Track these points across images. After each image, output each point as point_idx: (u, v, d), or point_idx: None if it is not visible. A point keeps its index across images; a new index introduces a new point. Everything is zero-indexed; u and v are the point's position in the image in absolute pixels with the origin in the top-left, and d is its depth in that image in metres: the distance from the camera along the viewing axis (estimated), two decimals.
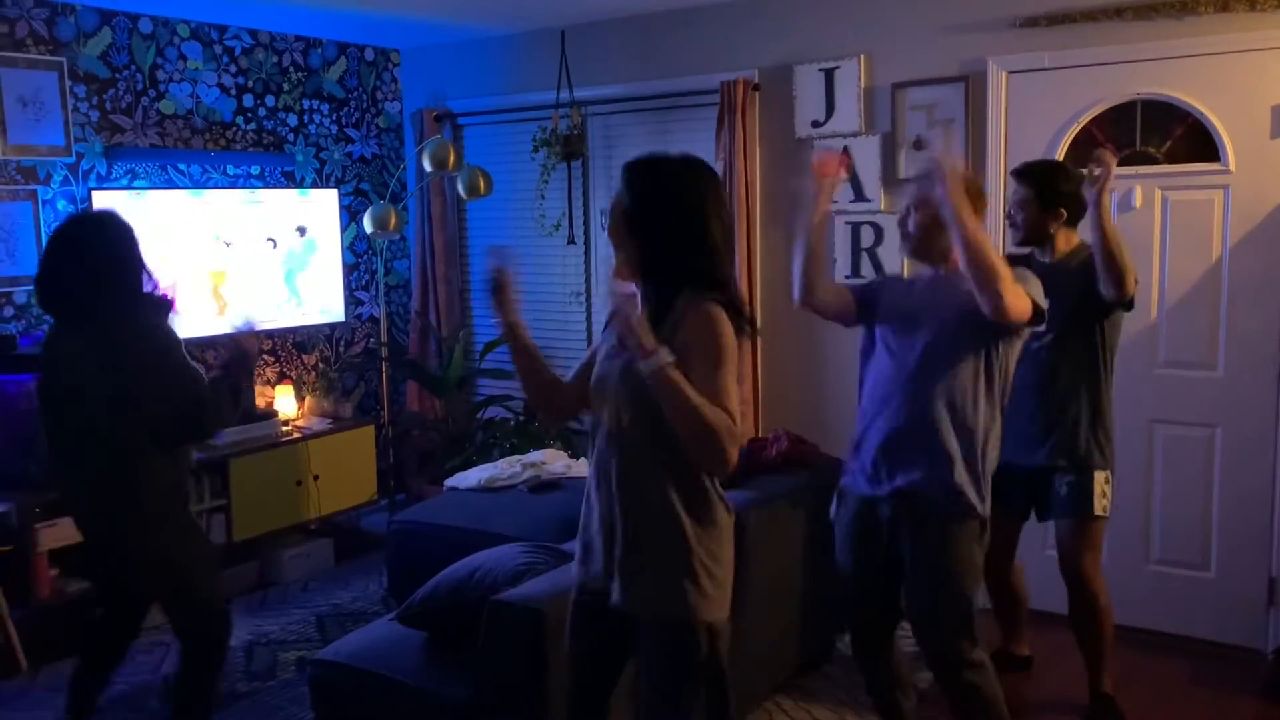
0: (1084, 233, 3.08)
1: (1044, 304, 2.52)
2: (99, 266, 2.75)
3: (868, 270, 4.29)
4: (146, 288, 2.85)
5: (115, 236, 2.80)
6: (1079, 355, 3.07)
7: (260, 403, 4.92)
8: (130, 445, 2.75)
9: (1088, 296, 3.00)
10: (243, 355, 2.88)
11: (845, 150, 4.26)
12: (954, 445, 2.52)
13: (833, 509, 2.83)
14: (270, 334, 5.07)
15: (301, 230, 4.97)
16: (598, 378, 2.12)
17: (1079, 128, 3.86)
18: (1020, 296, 2.42)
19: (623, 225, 2.01)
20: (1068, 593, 3.19)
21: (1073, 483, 3.08)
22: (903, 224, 2.68)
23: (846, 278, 4.32)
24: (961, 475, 2.52)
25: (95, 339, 2.71)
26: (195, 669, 2.94)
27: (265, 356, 5.11)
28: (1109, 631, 3.20)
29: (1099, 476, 3.08)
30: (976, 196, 2.57)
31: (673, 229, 1.97)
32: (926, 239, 2.62)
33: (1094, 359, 3.08)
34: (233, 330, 2.98)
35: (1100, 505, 3.09)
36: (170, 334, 2.84)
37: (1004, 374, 2.57)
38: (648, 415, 1.95)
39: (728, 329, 1.95)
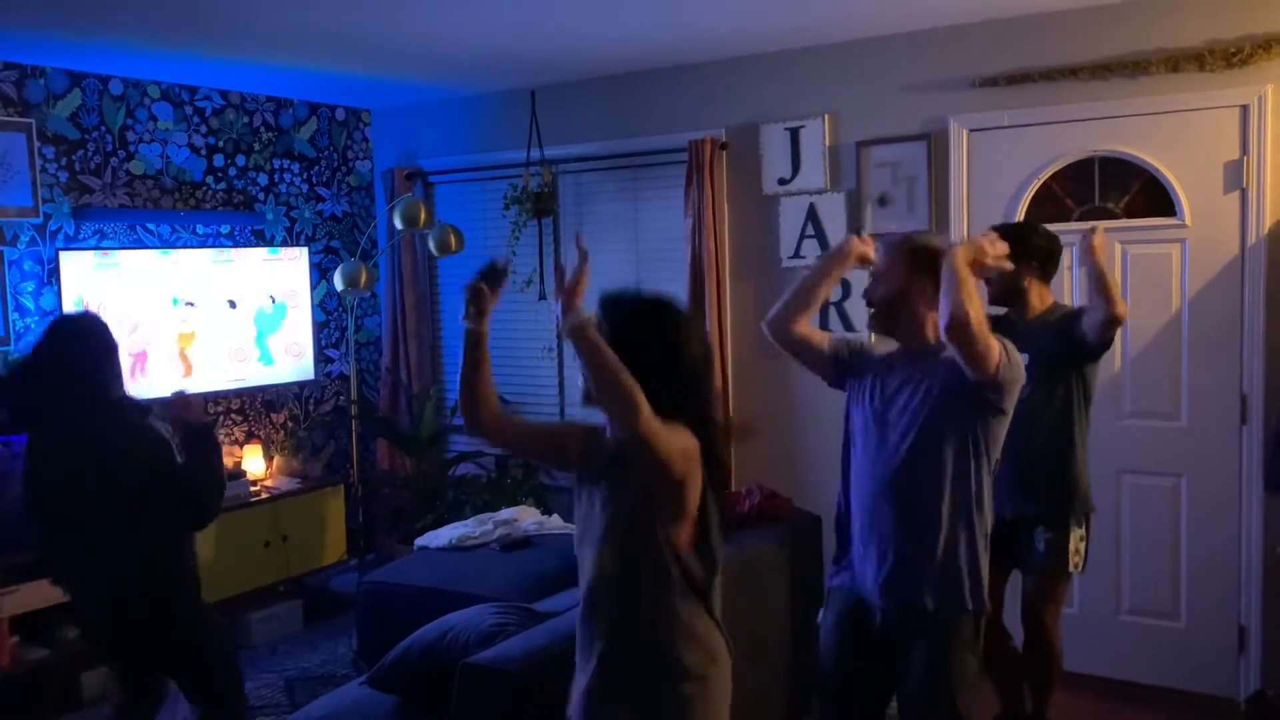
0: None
1: (1006, 366, 2.34)
2: (80, 369, 2.72)
3: (835, 324, 4.33)
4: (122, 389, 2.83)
5: (95, 339, 2.78)
6: (1057, 409, 3.07)
7: (228, 462, 4.87)
8: (143, 540, 2.74)
9: (1068, 345, 3.02)
10: (195, 422, 2.84)
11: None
12: (950, 542, 2.39)
13: (820, 613, 2.68)
14: (239, 393, 5.03)
15: (273, 298, 4.95)
16: (580, 535, 2.09)
17: (1039, 183, 3.95)
18: (991, 348, 2.29)
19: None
20: (1024, 637, 3.22)
21: (1050, 539, 3.08)
22: (868, 294, 2.54)
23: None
24: (962, 576, 2.39)
25: (85, 449, 2.69)
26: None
27: (233, 415, 5.07)
28: (1059, 674, 3.28)
29: (1075, 533, 3.08)
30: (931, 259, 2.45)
31: (645, 364, 1.95)
32: (893, 311, 2.48)
33: (1071, 412, 3.09)
34: (169, 397, 2.93)
35: (1074, 562, 3.10)
36: (156, 433, 2.81)
37: (990, 454, 2.42)
38: (630, 557, 1.97)
39: (681, 441, 1.93)
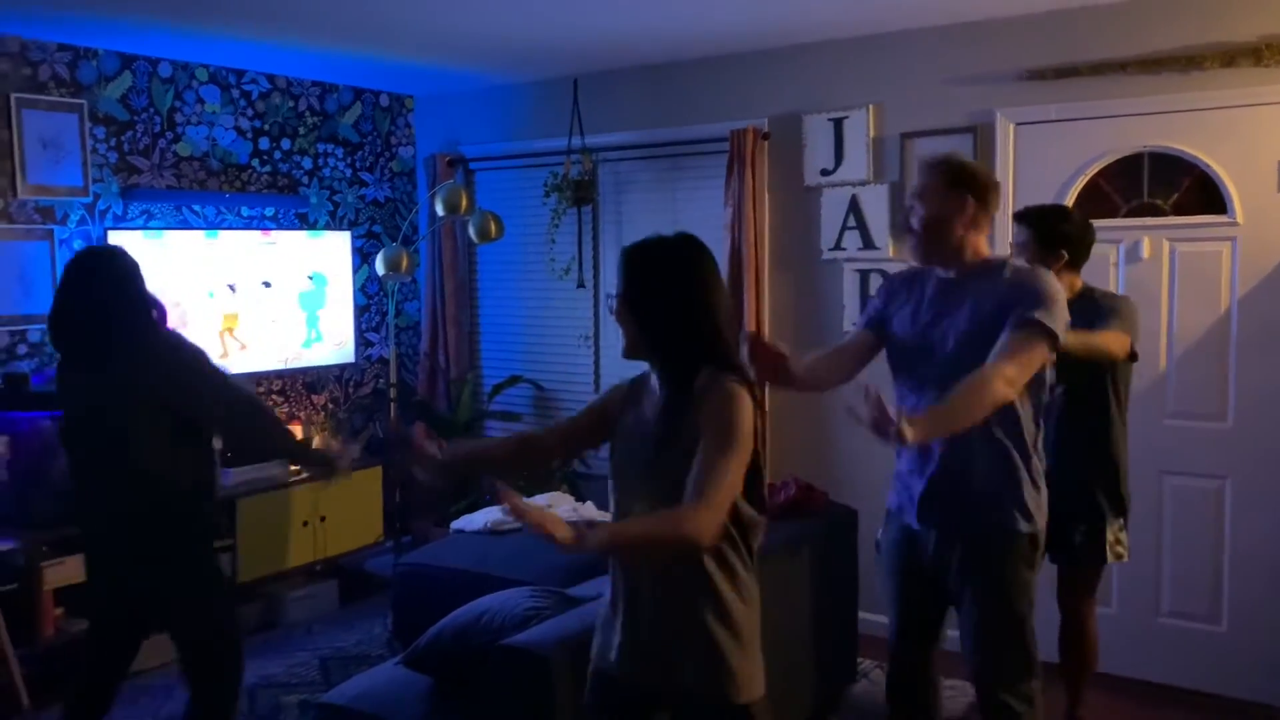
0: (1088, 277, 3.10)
1: (1059, 329, 2.33)
2: (108, 297, 2.75)
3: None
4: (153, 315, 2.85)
5: (123, 267, 2.80)
6: (1090, 405, 3.07)
7: None
8: (175, 483, 2.76)
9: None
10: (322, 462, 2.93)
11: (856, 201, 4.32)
12: (999, 468, 2.41)
13: (879, 531, 2.74)
14: (281, 374, 5.09)
15: (313, 277, 5.00)
16: (618, 467, 2.06)
17: (1086, 179, 3.89)
18: (1023, 375, 2.27)
19: (623, 308, 1.99)
20: (1061, 624, 3.25)
21: (1087, 530, 3.09)
22: (905, 222, 2.50)
23: (855, 324, 4.33)
24: (1010, 497, 2.42)
25: (130, 373, 2.70)
26: (214, 709, 2.90)
27: (275, 396, 5.13)
28: (1093, 664, 3.28)
29: (1113, 525, 3.10)
30: (987, 185, 2.44)
31: (671, 309, 1.94)
32: (933, 235, 2.43)
33: (1105, 408, 3.09)
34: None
35: (1116, 552, 3.12)
36: (191, 344, 2.83)
37: (1042, 381, 2.43)
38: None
39: (747, 412, 1.88)
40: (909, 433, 2.02)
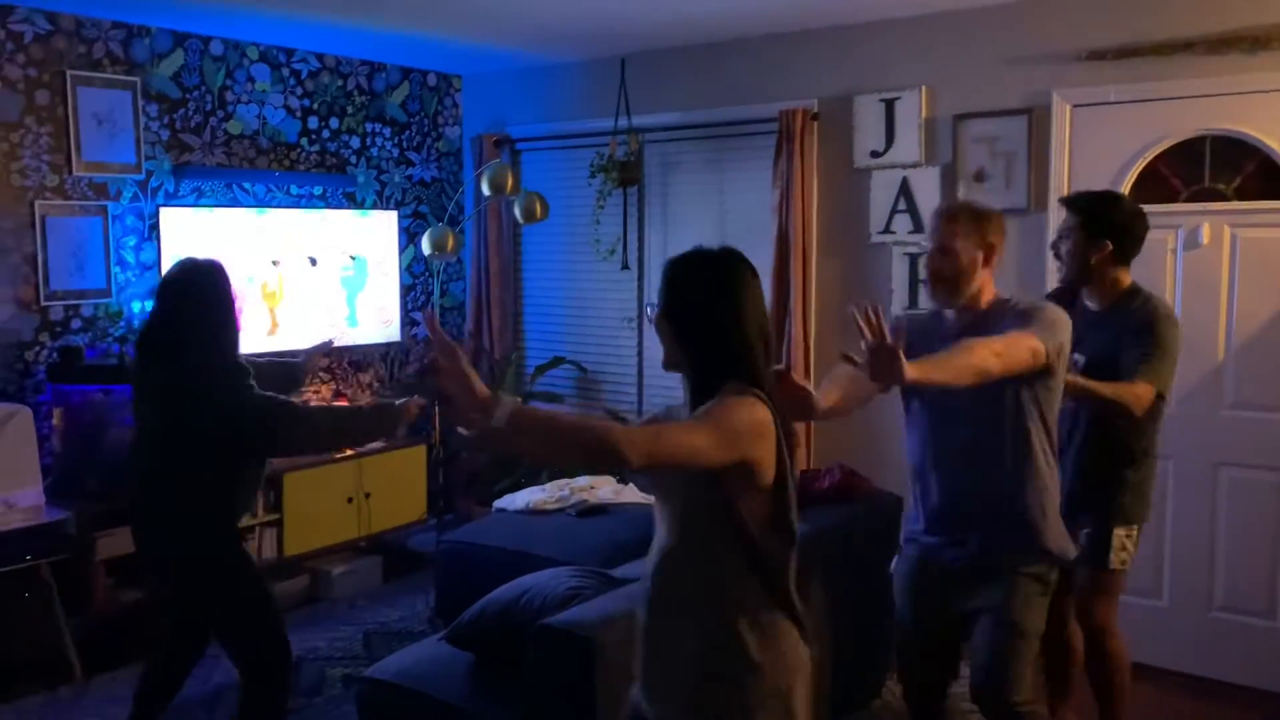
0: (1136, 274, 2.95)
1: (1046, 347, 2.34)
2: (211, 314, 2.81)
3: (925, 302, 4.23)
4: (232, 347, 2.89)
5: (224, 286, 2.86)
6: (1103, 409, 2.83)
7: None
8: (233, 473, 2.85)
9: (1118, 356, 2.77)
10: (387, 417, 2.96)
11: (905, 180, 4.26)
12: (1018, 496, 2.45)
13: (893, 563, 2.76)
14: (327, 352, 5.12)
15: (354, 256, 5.03)
16: (657, 482, 1.96)
17: (1145, 163, 3.80)
18: (1009, 353, 2.28)
19: (661, 320, 1.95)
20: (1084, 640, 3.07)
21: (1090, 534, 2.92)
22: (929, 267, 2.54)
23: (904, 309, 4.29)
24: (1032, 523, 2.46)
25: (208, 378, 2.78)
26: (264, 692, 2.93)
27: (321, 374, 5.17)
28: (1125, 681, 3.05)
29: (1118, 532, 2.91)
30: (992, 230, 2.49)
31: (705, 324, 1.90)
32: (963, 283, 2.49)
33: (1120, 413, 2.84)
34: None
35: (1118, 559, 2.92)
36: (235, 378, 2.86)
37: (1050, 406, 2.45)
38: (689, 535, 1.86)
39: (748, 415, 1.79)
40: (909, 369, 2.07)
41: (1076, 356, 2.78)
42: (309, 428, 2.91)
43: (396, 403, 2.95)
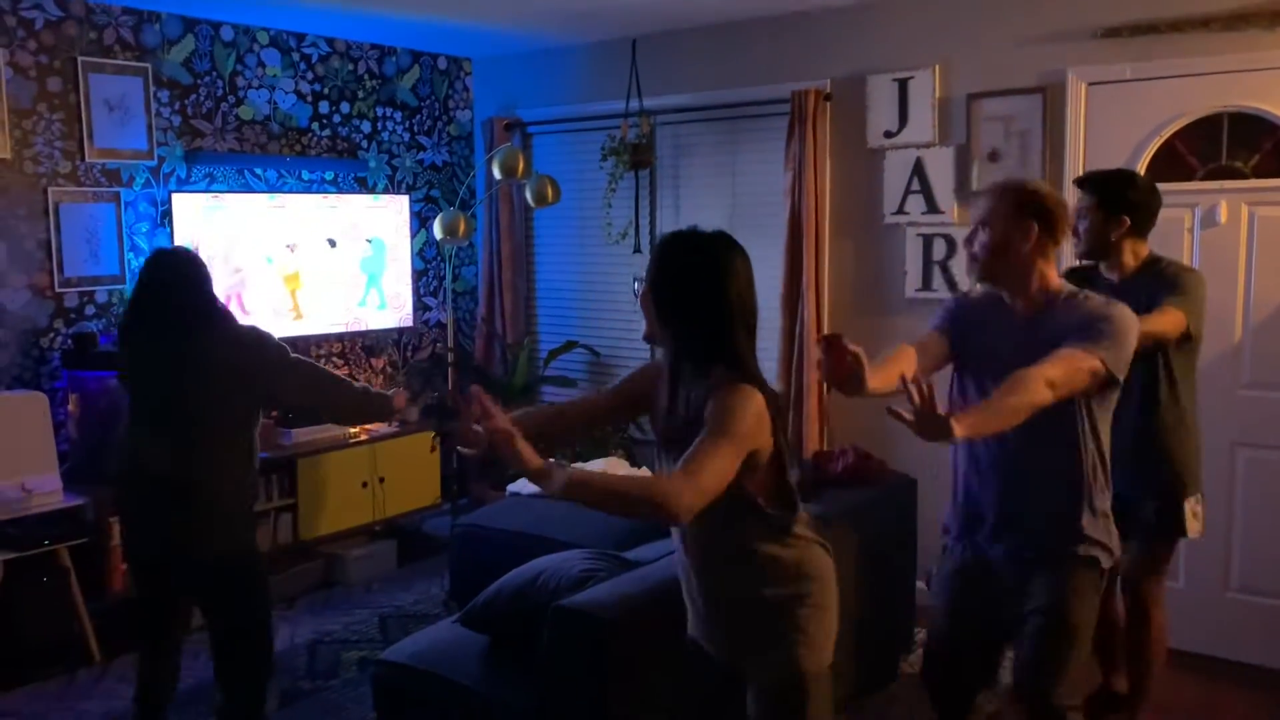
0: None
1: (1119, 370, 2.26)
2: (185, 299, 2.80)
3: (938, 284, 4.22)
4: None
5: (199, 271, 2.85)
6: (1152, 380, 2.92)
7: None
8: (245, 445, 2.83)
9: (1150, 310, 2.81)
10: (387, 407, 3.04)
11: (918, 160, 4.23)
12: (1066, 494, 2.35)
13: (932, 566, 2.69)
14: (341, 337, 5.15)
15: (372, 238, 5.04)
16: (656, 443, 2.14)
17: (1161, 141, 3.76)
18: (1060, 380, 2.17)
19: (646, 295, 2.02)
20: (1128, 611, 3.12)
21: (1159, 509, 2.96)
22: (969, 243, 2.42)
23: (917, 290, 4.27)
24: (1080, 523, 2.34)
25: (209, 351, 2.76)
26: (248, 680, 2.90)
27: (335, 359, 5.18)
28: (1161, 655, 3.13)
29: (1188, 501, 2.96)
30: (1055, 212, 2.36)
31: (687, 305, 1.96)
32: (996, 261, 2.36)
33: (1173, 382, 2.93)
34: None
35: (1194, 529, 2.98)
36: (264, 332, 2.90)
37: (1106, 408, 2.36)
38: (709, 515, 1.93)
39: (750, 408, 1.88)
40: (957, 428, 1.97)
41: None
42: (343, 392, 2.94)
43: (389, 393, 3.02)
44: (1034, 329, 2.33)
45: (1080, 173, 3.83)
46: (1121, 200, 2.90)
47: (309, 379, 2.89)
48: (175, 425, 2.77)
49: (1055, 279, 2.39)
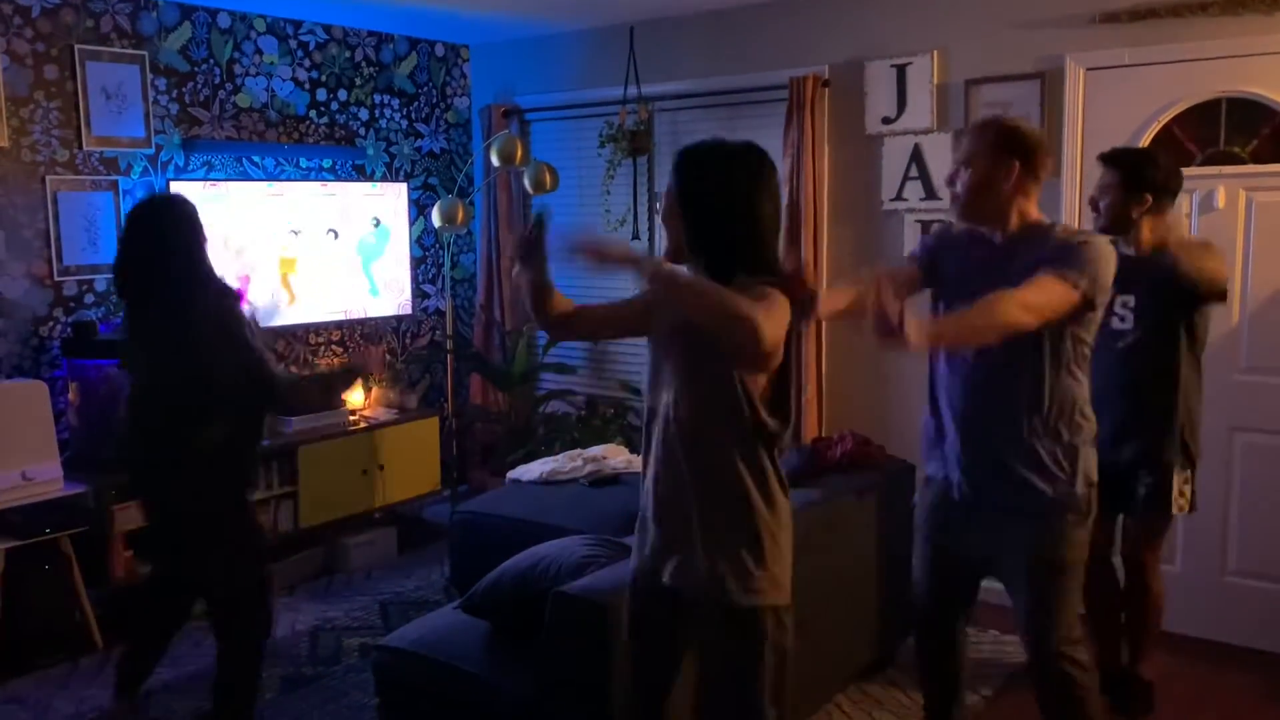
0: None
1: (1096, 294, 2.28)
2: (162, 247, 2.81)
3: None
4: (213, 270, 2.91)
5: (177, 218, 2.85)
6: (1163, 353, 3.00)
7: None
8: (218, 430, 2.81)
9: (1171, 289, 2.91)
10: (355, 370, 3.17)
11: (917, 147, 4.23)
12: (1037, 434, 2.35)
13: (916, 495, 2.74)
14: (339, 325, 5.15)
15: (375, 221, 5.05)
16: (653, 368, 2.11)
17: (1159, 126, 3.76)
18: (1036, 304, 2.20)
19: (674, 207, 2.00)
20: (1125, 579, 3.21)
21: (1151, 483, 3.04)
22: (951, 183, 2.44)
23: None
24: (1049, 466, 2.36)
25: (166, 318, 2.78)
26: (241, 663, 2.95)
27: (334, 346, 5.19)
28: (1158, 621, 3.24)
29: (1179, 476, 3.03)
30: (1036, 149, 2.38)
31: (720, 208, 1.95)
32: (978, 199, 2.39)
33: (1177, 356, 3.00)
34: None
35: (1177, 505, 3.05)
36: (234, 311, 2.86)
37: (1079, 340, 2.36)
38: (707, 401, 1.97)
39: (778, 310, 1.89)
40: (912, 333, 2.02)
41: (1127, 298, 2.94)
42: (303, 390, 2.97)
43: (355, 362, 3.08)
44: (1010, 257, 2.36)
45: (1079, 157, 3.87)
46: (1144, 179, 2.98)
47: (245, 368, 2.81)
48: (170, 394, 2.81)
49: (1035, 213, 2.43)
